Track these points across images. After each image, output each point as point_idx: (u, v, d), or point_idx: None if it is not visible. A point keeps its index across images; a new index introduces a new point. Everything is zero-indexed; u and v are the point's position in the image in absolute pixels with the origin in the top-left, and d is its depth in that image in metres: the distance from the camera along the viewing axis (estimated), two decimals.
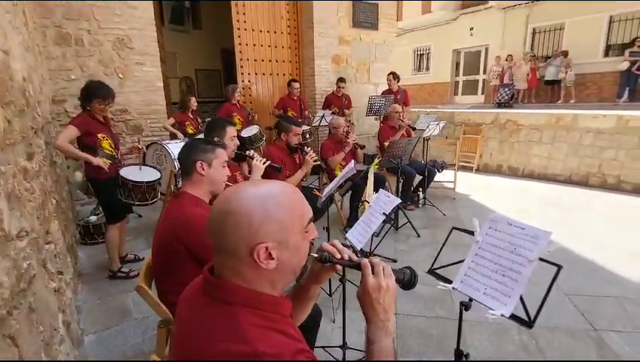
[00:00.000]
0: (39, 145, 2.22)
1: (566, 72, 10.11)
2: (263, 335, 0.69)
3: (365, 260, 0.89)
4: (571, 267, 3.06)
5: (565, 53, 10.23)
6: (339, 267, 0.91)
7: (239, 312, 0.72)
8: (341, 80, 6.38)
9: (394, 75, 6.46)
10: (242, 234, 0.72)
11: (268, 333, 0.71)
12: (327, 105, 6.35)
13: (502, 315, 1.20)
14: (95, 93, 2.86)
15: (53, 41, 4.35)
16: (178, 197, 1.65)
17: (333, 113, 5.84)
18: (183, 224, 1.50)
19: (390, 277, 0.88)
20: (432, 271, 1.52)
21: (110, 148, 2.99)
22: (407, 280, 0.92)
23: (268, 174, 2.59)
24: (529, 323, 1.20)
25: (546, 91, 11.02)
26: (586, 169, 5.66)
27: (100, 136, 2.90)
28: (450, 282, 1.41)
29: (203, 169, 1.67)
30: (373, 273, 0.87)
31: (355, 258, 0.91)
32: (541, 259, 1.23)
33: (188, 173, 1.69)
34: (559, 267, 1.22)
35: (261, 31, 6.63)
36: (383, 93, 6.59)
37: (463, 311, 1.35)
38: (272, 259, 0.73)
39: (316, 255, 0.86)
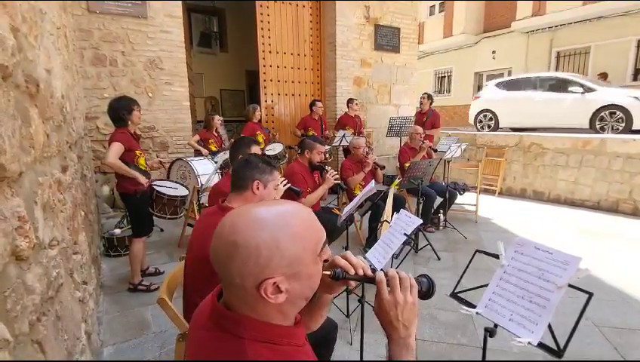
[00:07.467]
0: (72, 158, 2.32)
1: None
2: None
3: (381, 274, 0.83)
4: (600, 297, 2.90)
5: (604, 76, 9.91)
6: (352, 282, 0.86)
7: (249, 347, 0.67)
8: (352, 100, 6.28)
9: (428, 96, 6.31)
10: (249, 269, 0.65)
11: None
12: (341, 125, 6.23)
13: (529, 343, 1.16)
14: (131, 102, 2.95)
15: (89, 61, 4.62)
16: (225, 211, 1.53)
17: (353, 134, 5.88)
18: None
19: (408, 289, 0.82)
20: (454, 295, 1.48)
21: (144, 165, 3.08)
22: (425, 291, 0.88)
23: (287, 196, 2.60)
24: (558, 353, 1.15)
25: None
26: (616, 195, 5.44)
27: (137, 152, 2.98)
28: (473, 307, 1.36)
29: (258, 188, 1.64)
30: (388, 287, 0.82)
31: (369, 272, 0.86)
32: (571, 286, 1.18)
33: (241, 188, 1.65)
34: (590, 294, 1.17)
35: (285, 53, 6.82)
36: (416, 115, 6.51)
37: (488, 338, 1.31)
38: (281, 292, 0.68)
39: (328, 272, 0.81)
